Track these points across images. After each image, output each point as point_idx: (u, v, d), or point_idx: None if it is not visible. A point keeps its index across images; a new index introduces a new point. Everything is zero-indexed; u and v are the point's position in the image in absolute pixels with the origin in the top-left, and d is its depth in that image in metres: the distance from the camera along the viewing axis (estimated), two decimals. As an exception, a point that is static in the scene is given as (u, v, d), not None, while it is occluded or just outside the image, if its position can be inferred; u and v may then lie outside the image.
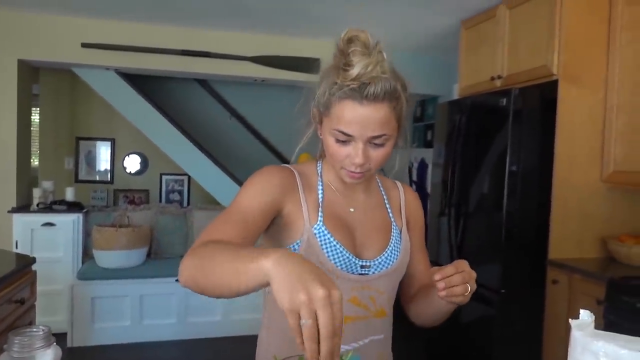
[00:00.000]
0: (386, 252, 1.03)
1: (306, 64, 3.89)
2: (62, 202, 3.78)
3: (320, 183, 1.04)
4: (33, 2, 3.34)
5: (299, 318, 0.61)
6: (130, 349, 3.50)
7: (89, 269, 3.60)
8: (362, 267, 1.00)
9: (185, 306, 3.68)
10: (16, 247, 3.50)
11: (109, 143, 5.07)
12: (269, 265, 0.66)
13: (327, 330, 0.60)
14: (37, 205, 3.68)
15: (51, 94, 4.79)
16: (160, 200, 5.17)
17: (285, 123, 4.81)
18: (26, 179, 3.85)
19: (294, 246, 0.98)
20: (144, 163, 5.18)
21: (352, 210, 1.04)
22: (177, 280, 3.93)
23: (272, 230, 0.99)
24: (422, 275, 1.12)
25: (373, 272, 1.01)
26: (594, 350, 0.64)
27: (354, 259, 0.99)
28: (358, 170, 0.94)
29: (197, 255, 0.79)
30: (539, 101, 2.55)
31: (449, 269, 0.89)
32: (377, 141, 0.92)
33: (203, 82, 5.18)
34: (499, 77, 2.89)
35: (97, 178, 5.07)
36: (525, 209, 2.53)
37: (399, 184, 1.16)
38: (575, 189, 2.51)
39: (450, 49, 3.79)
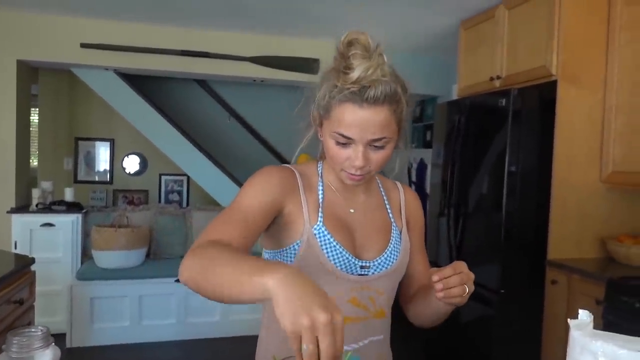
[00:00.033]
0: (386, 252, 1.03)
1: (305, 64, 3.89)
2: (61, 202, 3.77)
3: (321, 183, 1.04)
4: (32, 2, 3.34)
5: (300, 341, 0.61)
6: (130, 350, 3.50)
7: (88, 269, 3.60)
8: (361, 267, 1.01)
9: (184, 306, 3.68)
10: (15, 248, 3.50)
11: (108, 143, 5.07)
12: (272, 284, 0.66)
13: (328, 357, 0.60)
14: (36, 205, 3.68)
15: (50, 94, 4.79)
16: (160, 201, 5.17)
17: (284, 123, 4.82)
18: (25, 179, 3.85)
19: (293, 246, 0.98)
20: (143, 163, 5.18)
21: (352, 211, 1.04)
22: (176, 281, 3.93)
23: (272, 229, 0.99)
24: (422, 275, 1.12)
25: (372, 273, 1.01)
26: (593, 350, 0.64)
27: (353, 260, 0.99)
28: (358, 172, 0.94)
29: (199, 256, 0.79)
30: (538, 101, 2.55)
31: (446, 270, 0.90)
32: (377, 144, 0.92)
33: (202, 83, 5.18)
34: (498, 77, 2.90)
35: (96, 178, 5.07)
36: (524, 209, 2.53)
37: (399, 184, 1.16)
38: (574, 190, 2.51)
39: (450, 50, 3.79)
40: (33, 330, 0.91)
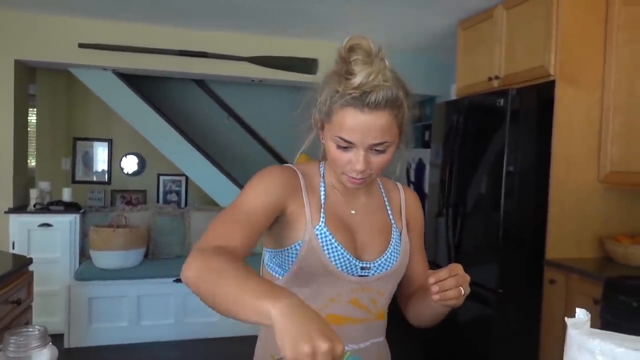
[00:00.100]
0: (386, 254, 1.03)
1: (304, 65, 3.89)
2: (59, 202, 3.76)
3: (323, 184, 1.04)
4: (30, 2, 3.33)
5: None
6: (128, 350, 3.49)
7: (86, 269, 3.59)
8: (362, 269, 1.01)
9: (183, 307, 3.67)
10: (13, 248, 3.50)
11: (106, 144, 5.06)
12: (275, 312, 0.66)
13: None
14: (34, 205, 3.67)
15: (48, 94, 4.78)
16: (158, 201, 5.16)
17: (282, 123, 4.83)
18: (23, 179, 3.84)
19: (295, 246, 0.98)
20: (142, 164, 5.17)
21: (353, 212, 1.05)
22: (174, 281, 3.92)
23: (274, 228, 1.00)
24: (420, 276, 1.12)
25: (373, 274, 1.02)
26: (590, 349, 0.64)
27: (354, 261, 1.00)
28: (359, 176, 0.95)
29: (206, 262, 0.79)
30: (536, 101, 2.56)
31: (442, 272, 0.90)
32: (378, 148, 0.92)
33: (200, 83, 5.18)
34: (497, 77, 2.90)
35: (94, 179, 5.06)
36: (522, 209, 2.53)
37: (399, 185, 1.17)
38: (572, 189, 2.52)
39: (448, 50, 3.79)
40: (30, 329, 0.90)
